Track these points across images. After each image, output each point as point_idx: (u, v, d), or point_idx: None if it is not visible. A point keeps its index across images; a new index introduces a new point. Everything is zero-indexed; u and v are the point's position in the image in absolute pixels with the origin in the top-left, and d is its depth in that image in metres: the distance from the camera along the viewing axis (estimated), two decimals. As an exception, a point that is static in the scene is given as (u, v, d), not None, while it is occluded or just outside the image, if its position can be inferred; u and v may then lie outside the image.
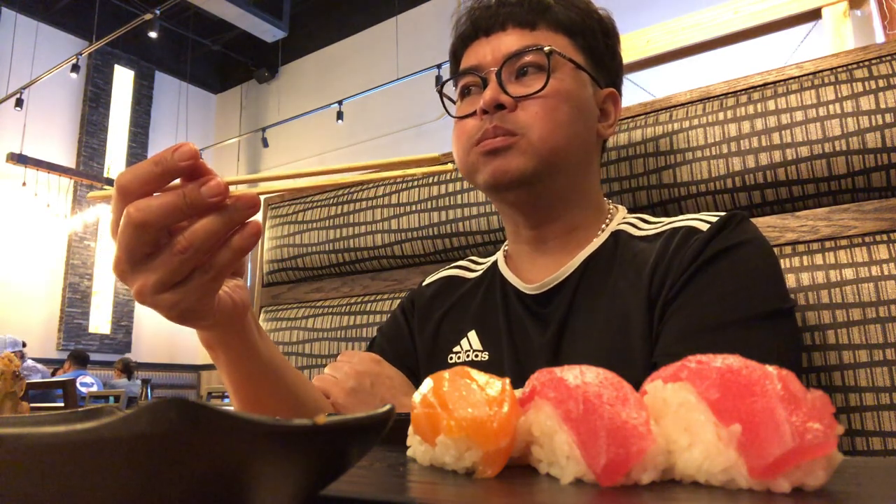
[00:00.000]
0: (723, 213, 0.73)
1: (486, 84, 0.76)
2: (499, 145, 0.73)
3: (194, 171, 0.43)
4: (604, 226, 0.81)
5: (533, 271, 0.81)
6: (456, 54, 0.85)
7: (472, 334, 0.83)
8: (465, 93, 0.82)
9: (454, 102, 0.85)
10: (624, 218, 0.82)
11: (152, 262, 0.46)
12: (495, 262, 0.88)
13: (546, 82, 0.74)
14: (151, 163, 0.43)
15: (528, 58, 0.76)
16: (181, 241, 0.45)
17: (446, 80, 0.86)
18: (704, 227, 0.71)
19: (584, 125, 0.78)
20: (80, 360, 6.13)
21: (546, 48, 0.75)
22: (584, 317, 0.74)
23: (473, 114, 0.77)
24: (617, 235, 0.78)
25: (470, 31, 0.81)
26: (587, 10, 0.81)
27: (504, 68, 0.76)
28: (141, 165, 0.44)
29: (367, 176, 0.49)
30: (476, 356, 0.81)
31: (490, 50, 0.78)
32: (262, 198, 0.51)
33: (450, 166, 0.50)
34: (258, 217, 0.48)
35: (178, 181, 0.45)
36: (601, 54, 0.81)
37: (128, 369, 6.54)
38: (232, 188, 0.45)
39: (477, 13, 0.81)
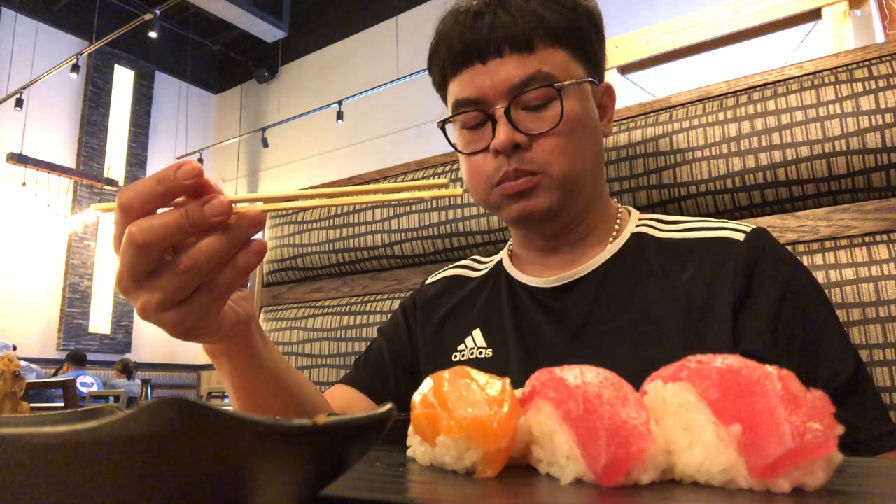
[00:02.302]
0: (746, 229, 0.73)
1: (491, 118, 0.73)
2: (522, 188, 0.72)
3: (198, 188, 0.43)
4: (616, 225, 0.81)
5: (542, 271, 0.81)
6: (444, 72, 0.79)
7: (476, 332, 0.83)
8: (465, 124, 0.77)
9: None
10: (640, 219, 0.81)
11: (156, 281, 0.45)
12: (500, 261, 0.88)
13: (560, 118, 0.71)
14: (154, 181, 0.42)
15: (536, 93, 0.72)
16: (185, 260, 0.44)
17: (448, 118, 0.80)
18: (739, 235, 0.72)
19: (595, 139, 0.77)
20: (79, 361, 6.13)
21: (556, 85, 0.72)
22: (608, 319, 0.73)
23: (485, 148, 0.74)
24: (639, 237, 0.78)
25: (461, 53, 0.75)
26: (573, 6, 0.77)
27: (511, 104, 0.72)
28: (143, 183, 0.43)
29: (376, 197, 0.49)
30: (480, 353, 0.81)
31: (490, 81, 0.73)
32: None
33: (459, 190, 0.50)
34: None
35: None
36: (595, 53, 0.80)
37: (127, 370, 6.54)
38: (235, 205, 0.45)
39: (469, 35, 0.74)
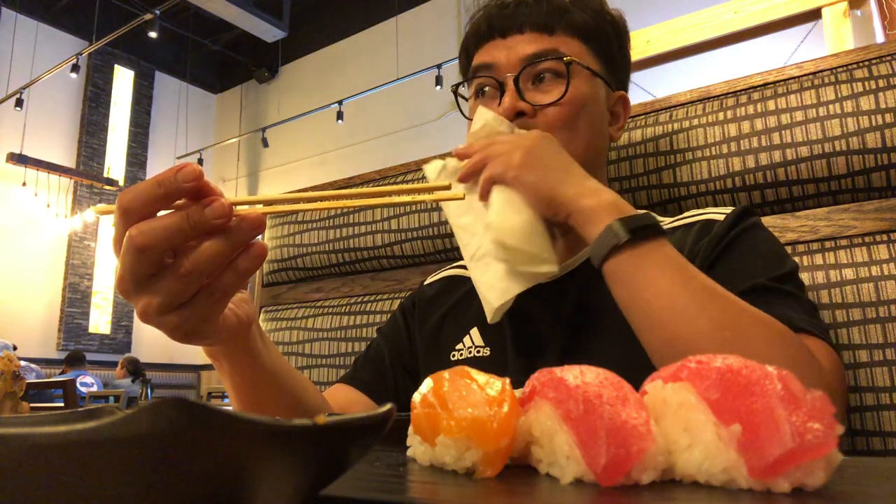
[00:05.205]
0: (727, 211, 0.75)
1: (502, 87, 0.76)
2: None
3: (198, 191, 0.43)
4: None
5: None
6: (468, 52, 0.84)
7: (474, 331, 0.83)
8: (478, 93, 0.81)
9: (462, 98, 0.84)
10: None
11: (156, 284, 0.45)
12: None
13: (565, 91, 0.74)
14: (154, 183, 0.42)
15: (546, 64, 0.75)
16: (185, 263, 0.44)
17: (461, 82, 0.85)
18: (720, 216, 0.74)
19: (598, 131, 0.79)
20: (78, 361, 6.10)
21: (566, 58, 0.75)
22: (603, 308, 0.73)
23: None
24: None
25: (485, 30, 0.80)
26: (601, 11, 0.81)
27: (521, 73, 0.75)
28: (143, 185, 0.43)
29: (378, 200, 0.48)
30: (478, 352, 0.81)
31: (505, 51, 0.77)
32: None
33: (461, 193, 0.49)
34: None
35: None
36: (614, 57, 0.82)
37: (136, 370, 6.36)
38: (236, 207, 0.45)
39: (494, 12, 0.79)
